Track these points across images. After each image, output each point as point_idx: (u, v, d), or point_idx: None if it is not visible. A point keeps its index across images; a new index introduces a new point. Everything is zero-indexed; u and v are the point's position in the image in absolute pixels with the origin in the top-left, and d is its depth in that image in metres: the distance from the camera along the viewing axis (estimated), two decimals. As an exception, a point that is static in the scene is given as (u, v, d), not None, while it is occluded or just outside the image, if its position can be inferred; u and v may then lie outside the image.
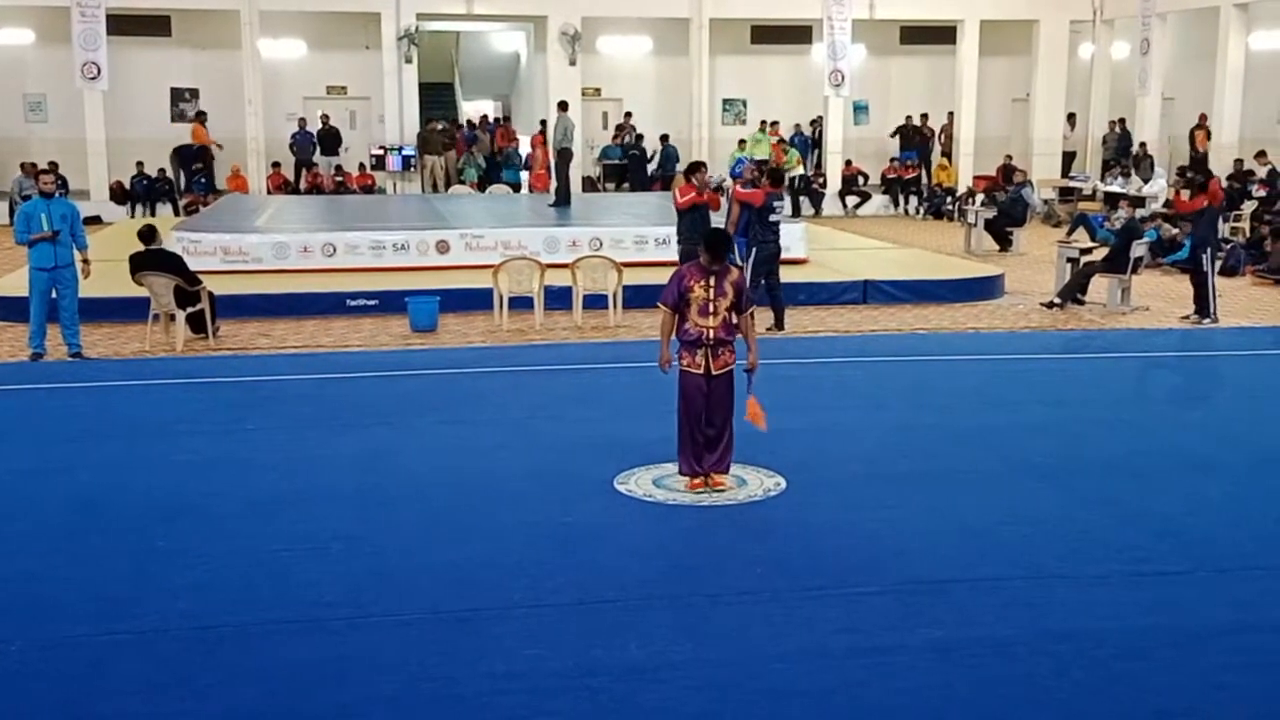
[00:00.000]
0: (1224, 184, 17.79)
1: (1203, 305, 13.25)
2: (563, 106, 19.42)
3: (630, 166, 25.39)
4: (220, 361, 11.22)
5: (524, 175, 25.25)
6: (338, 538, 6.46)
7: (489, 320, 12.86)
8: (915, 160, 26.31)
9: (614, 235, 15.39)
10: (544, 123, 23.72)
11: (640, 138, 25.83)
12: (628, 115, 26.23)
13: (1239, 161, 21.03)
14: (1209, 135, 23.51)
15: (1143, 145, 23.64)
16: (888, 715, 4.65)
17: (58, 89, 23.66)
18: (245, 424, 8.87)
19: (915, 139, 26.62)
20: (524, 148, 25.80)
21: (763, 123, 25.67)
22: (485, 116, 27.88)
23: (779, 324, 12.39)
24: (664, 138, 25.58)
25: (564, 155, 18.85)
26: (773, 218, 12.24)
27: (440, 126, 25.03)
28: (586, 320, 12.81)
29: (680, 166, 24.54)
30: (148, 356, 11.42)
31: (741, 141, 25.42)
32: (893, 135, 26.74)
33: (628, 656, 5.09)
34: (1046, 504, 7.08)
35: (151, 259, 11.85)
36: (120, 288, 12.34)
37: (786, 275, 14.55)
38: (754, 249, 12.14)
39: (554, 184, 19.02)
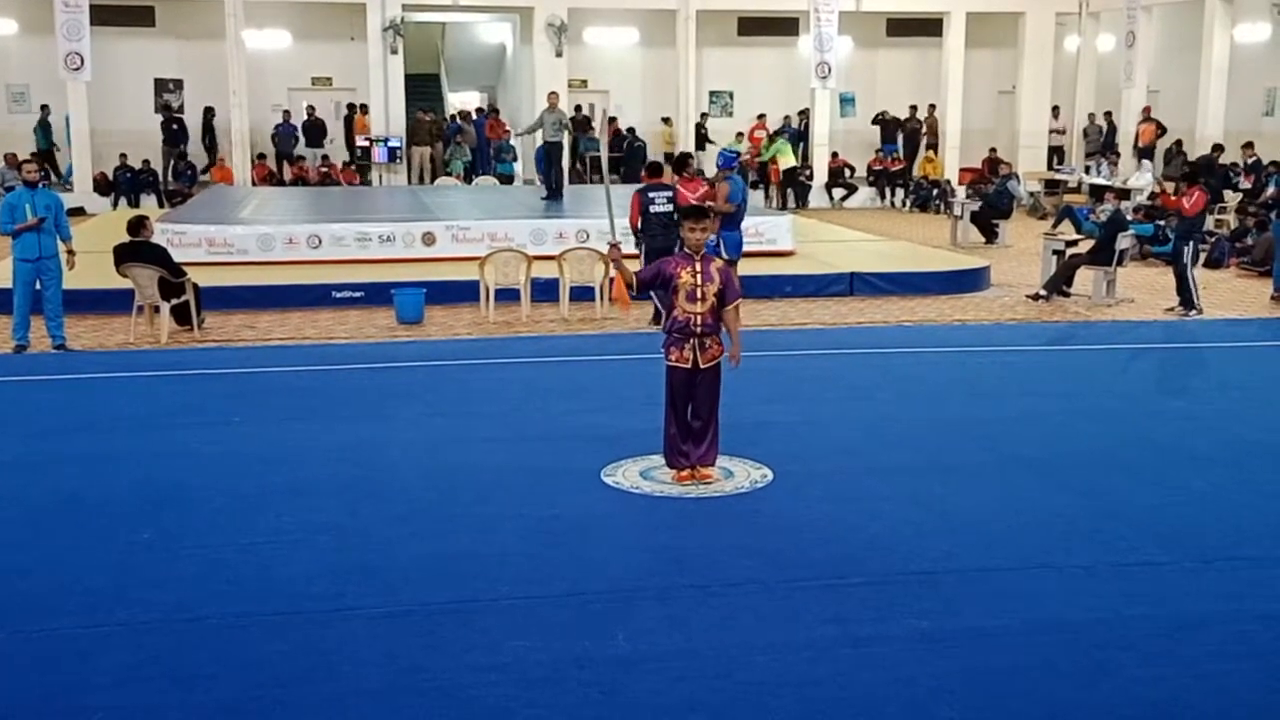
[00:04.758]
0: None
1: (1185, 297, 13.31)
2: (554, 99, 19.38)
3: (626, 159, 25.37)
4: (205, 353, 11.18)
5: (517, 167, 25.21)
6: (324, 530, 6.45)
7: (475, 312, 12.85)
8: (896, 153, 26.35)
9: (601, 227, 15.36)
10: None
11: (632, 130, 25.81)
12: (604, 112, 26.16)
13: (1212, 158, 21.16)
14: (1158, 128, 23.69)
15: (1178, 143, 23.68)
16: (874, 706, 4.66)
17: (41, 80, 23.54)
18: (230, 416, 8.84)
19: (895, 131, 26.66)
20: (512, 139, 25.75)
21: (738, 134, 25.68)
22: (480, 108, 27.80)
23: (656, 318, 12.01)
24: (630, 130, 25.67)
25: (555, 148, 18.81)
26: (653, 209, 11.99)
27: (430, 117, 24.99)
28: (573, 312, 12.80)
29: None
30: (132, 348, 11.37)
31: (739, 134, 25.47)
32: (874, 123, 26.77)
33: (615, 648, 5.09)
34: (1032, 495, 7.10)
35: (136, 250, 11.80)
36: (105, 279, 12.28)
37: (774, 267, 14.58)
38: (643, 243, 11.92)
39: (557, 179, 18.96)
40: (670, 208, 12.00)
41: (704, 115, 26.72)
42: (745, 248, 12.51)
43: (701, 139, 25.75)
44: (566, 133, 19.19)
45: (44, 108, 23.86)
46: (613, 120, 26.05)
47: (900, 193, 25.99)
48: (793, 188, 25.05)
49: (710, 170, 17.72)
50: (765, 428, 8.24)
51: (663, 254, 11.72)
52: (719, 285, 7.05)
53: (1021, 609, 5.50)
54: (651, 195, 12.00)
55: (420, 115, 24.81)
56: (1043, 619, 5.40)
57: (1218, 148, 21.42)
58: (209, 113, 24.55)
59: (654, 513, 6.81)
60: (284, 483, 7.25)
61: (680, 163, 13.25)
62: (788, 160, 25.01)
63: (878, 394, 9.61)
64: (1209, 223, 18.10)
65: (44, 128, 24.09)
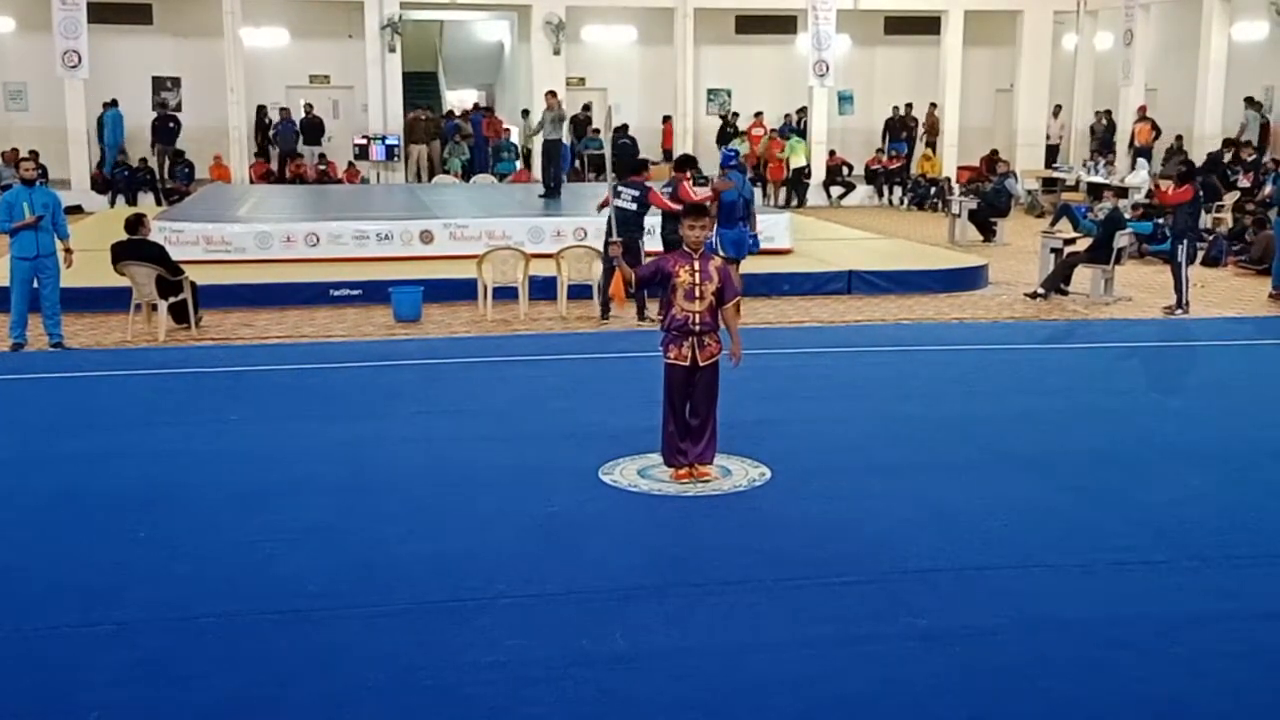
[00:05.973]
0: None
1: (1182, 295, 13.31)
2: (552, 96, 19.35)
3: (619, 157, 25.32)
4: (203, 352, 11.17)
5: (518, 165, 25.16)
6: (321, 528, 6.44)
7: (473, 310, 12.85)
8: (904, 151, 26.34)
9: (598, 225, 15.31)
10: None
11: (625, 127, 25.76)
12: (608, 109, 26.16)
13: (1217, 155, 21.13)
14: (1154, 127, 23.65)
15: (1179, 139, 23.65)
16: (871, 704, 4.66)
17: (38, 77, 23.50)
18: (228, 414, 8.83)
19: (902, 130, 26.65)
20: (513, 137, 25.73)
21: (744, 135, 25.70)
22: (478, 104, 27.76)
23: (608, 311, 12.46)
24: (624, 127, 25.63)
25: (554, 146, 18.79)
26: (615, 202, 12.03)
27: (427, 115, 24.98)
28: (571, 310, 12.80)
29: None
30: (129, 347, 11.36)
31: (744, 135, 25.45)
32: (884, 133, 26.74)
33: (613, 646, 5.09)
34: (1030, 493, 7.10)
35: (133, 248, 11.79)
36: (102, 277, 12.27)
37: (772, 265, 14.58)
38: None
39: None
40: (634, 206, 12.01)
41: (735, 114, 26.69)
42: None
43: (729, 137, 25.73)
44: (564, 129, 19.16)
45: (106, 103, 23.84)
46: (667, 119, 26.00)
47: (898, 191, 25.98)
48: (794, 186, 25.03)
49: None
50: (763, 426, 8.23)
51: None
52: (717, 283, 7.04)
53: (1019, 607, 5.50)
54: (620, 190, 12.08)
55: (418, 113, 24.78)
56: (1040, 617, 5.39)
57: (1227, 144, 21.34)
58: (260, 111, 24.73)
59: (652, 511, 6.80)
60: (281, 481, 7.24)
61: (682, 163, 13.22)
62: (799, 159, 24.99)
63: (875, 392, 9.61)
64: (1207, 221, 18.11)
65: (114, 123, 23.96)
